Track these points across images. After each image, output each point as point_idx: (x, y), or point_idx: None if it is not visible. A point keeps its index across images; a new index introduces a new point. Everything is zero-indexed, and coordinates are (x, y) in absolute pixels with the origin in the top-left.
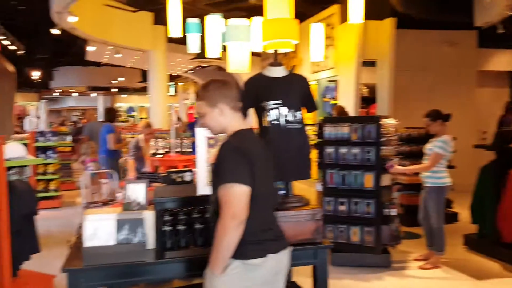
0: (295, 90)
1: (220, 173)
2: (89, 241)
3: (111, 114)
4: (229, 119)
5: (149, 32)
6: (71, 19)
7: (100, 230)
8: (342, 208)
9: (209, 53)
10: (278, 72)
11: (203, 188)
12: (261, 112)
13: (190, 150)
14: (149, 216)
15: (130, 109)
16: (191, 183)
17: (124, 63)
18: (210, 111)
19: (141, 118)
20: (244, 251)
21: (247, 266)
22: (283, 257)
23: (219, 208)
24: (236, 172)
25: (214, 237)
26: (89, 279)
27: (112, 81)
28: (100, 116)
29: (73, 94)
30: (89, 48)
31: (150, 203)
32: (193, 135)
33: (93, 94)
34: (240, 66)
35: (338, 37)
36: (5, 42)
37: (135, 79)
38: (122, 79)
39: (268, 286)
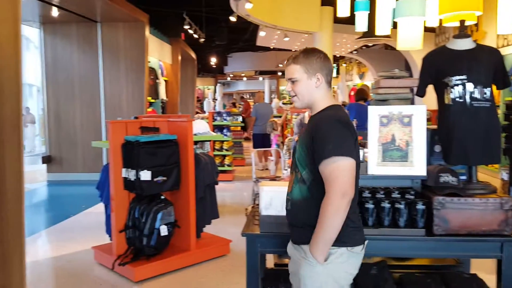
0: (484, 64)
1: (323, 147)
2: (265, 210)
3: (364, 93)
4: (322, 92)
5: (317, 13)
6: (247, 5)
7: (275, 200)
8: None
9: (378, 31)
10: (464, 44)
11: (375, 167)
12: (442, 89)
13: None
14: None
15: None
16: (362, 162)
17: (291, 47)
18: (306, 79)
19: None
20: (349, 237)
21: (352, 253)
22: None
23: (326, 186)
24: (343, 144)
25: (321, 218)
26: (264, 244)
27: (279, 65)
28: (267, 98)
29: (243, 78)
30: (261, 34)
31: None
32: (351, 117)
33: (260, 78)
34: (412, 43)
35: None
36: (190, 32)
37: None
38: None
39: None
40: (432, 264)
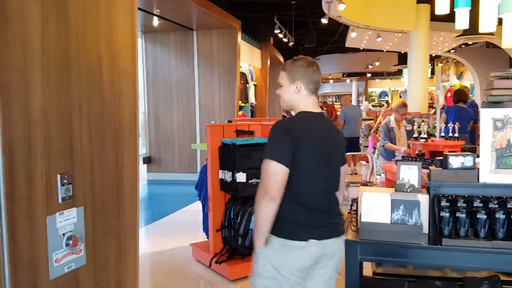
0: None
1: (265, 150)
2: (365, 217)
3: (464, 94)
4: (301, 98)
5: (412, 12)
6: (341, 7)
7: (376, 207)
8: None
9: (482, 28)
10: None
11: (487, 175)
12: None
13: (457, 135)
14: (424, 200)
15: (383, 93)
16: (473, 169)
17: (382, 47)
18: (288, 85)
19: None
20: (285, 230)
21: (287, 246)
22: (331, 244)
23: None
24: (275, 150)
25: None
26: (363, 252)
27: (369, 66)
28: (354, 101)
29: (329, 81)
30: (352, 35)
31: (423, 186)
32: (450, 120)
33: (348, 80)
34: None
35: None
36: (279, 36)
37: (391, 62)
38: (378, 63)
39: (303, 272)
40: None
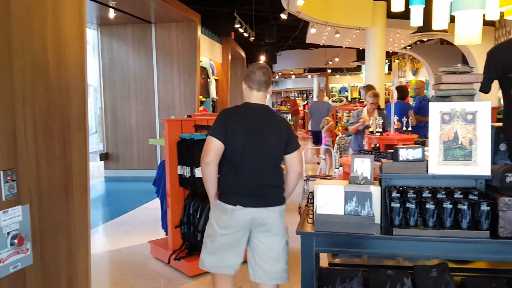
0: None
1: None
2: (320, 209)
3: (404, 91)
4: (246, 94)
5: (369, 9)
6: (299, 2)
7: (330, 199)
8: None
9: (435, 25)
10: None
11: (436, 166)
12: (509, 85)
13: (410, 129)
14: (376, 191)
15: (343, 89)
16: (422, 161)
17: (341, 43)
18: (242, 85)
19: (353, 98)
20: (223, 196)
21: (222, 207)
22: (258, 213)
23: None
24: (213, 128)
25: None
26: (318, 243)
27: (329, 62)
28: (315, 96)
29: (291, 76)
30: (311, 31)
31: (376, 178)
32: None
33: (309, 76)
34: (470, 37)
35: None
36: (240, 30)
37: (350, 59)
38: (337, 59)
39: (233, 230)
40: (496, 268)
